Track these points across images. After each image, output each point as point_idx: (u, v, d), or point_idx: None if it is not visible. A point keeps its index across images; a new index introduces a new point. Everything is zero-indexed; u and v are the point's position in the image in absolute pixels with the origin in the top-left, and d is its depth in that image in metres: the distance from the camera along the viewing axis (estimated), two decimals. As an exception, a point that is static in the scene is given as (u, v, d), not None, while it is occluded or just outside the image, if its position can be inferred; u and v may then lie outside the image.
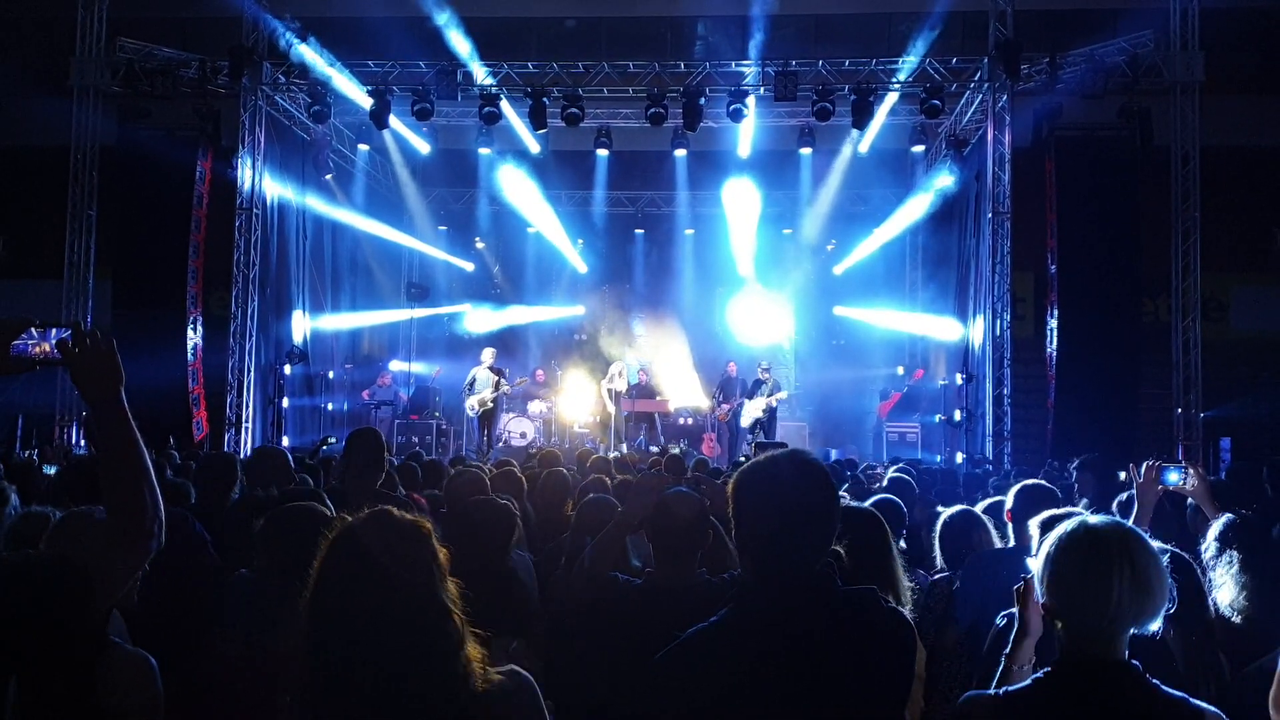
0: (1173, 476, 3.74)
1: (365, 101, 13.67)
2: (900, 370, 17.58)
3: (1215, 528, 3.01)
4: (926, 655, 3.20)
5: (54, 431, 13.34)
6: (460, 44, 13.80)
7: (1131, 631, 1.90)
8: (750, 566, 2.11)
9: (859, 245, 17.17)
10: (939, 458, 14.32)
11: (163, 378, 11.99)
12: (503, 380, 14.46)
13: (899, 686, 2.08)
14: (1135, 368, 13.18)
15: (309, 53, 13.37)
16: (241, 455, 10.15)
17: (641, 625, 2.50)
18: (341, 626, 1.76)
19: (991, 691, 2.03)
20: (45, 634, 1.87)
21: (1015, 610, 2.30)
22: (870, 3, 17.83)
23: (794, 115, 14.60)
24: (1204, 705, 1.87)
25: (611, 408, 15.14)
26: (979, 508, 4.46)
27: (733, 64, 14.08)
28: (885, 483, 5.93)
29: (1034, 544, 2.82)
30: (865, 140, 14.89)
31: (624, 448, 14.04)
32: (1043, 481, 4.42)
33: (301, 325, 14.82)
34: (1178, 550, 2.82)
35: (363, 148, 16.16)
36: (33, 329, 2.17)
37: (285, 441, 13.27)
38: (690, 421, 16.49)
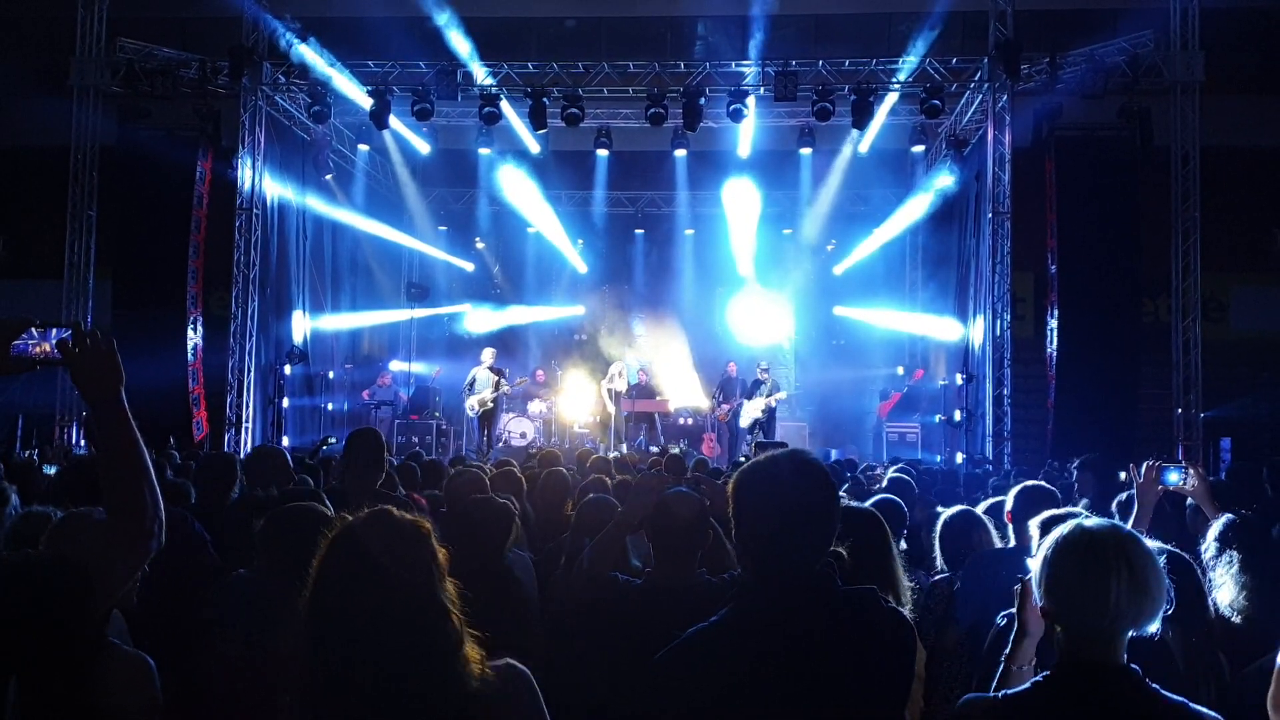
0: (1173, 477, 3.74)
1: (365, 101, 13.67)
2: (900, 370, 17.57)
3: (1215, 528, 3.02)
4: (927, 656, 3.20)
5: (54, 431, 13.33)
6: (460, 44, 13.79)
7: (1131, 633, 1.90)
8: (750, 566, 2.11)
9: (859, 245, 17.16)
10: (939, 458, 14.31)
11: (163, 378, 11.97)
12: (503, 380, 14.46)
13: (899, 686, 2.08)
14: (1135, 368, 13.16)
15: (309, 53, 13.37)
16: (241, 455, 10.14)
17: (641, 625, 2.50)
18: (341, 626, 1.76)
19: (990, 695, 2.02)
20: (45, 634, 1.87)
21: (1015, 610, 2.30)
22: (870, 3, 17.81)
23: (794, 115, 14.60)
24: (1204, 710, 1.86)
25: (611, 408, 15.13)
26: (979, 508, 4.46)
27: (733, 64, 14.07)
28: (885, 483, 5.91)
29: (1034, 544, 2.82)
30: (865, 140, 14.89)
31: (624, 448, 14.03)
32: (1042, 482, 4.43)
33: (301, 325, 14.81)
34: (1176, 550, 2.82)
35: (363, 148, 16.16)
36: (33, 329, 2.16)
37: (285, 441, 13.26)
38: (690, 421, 16.49)
